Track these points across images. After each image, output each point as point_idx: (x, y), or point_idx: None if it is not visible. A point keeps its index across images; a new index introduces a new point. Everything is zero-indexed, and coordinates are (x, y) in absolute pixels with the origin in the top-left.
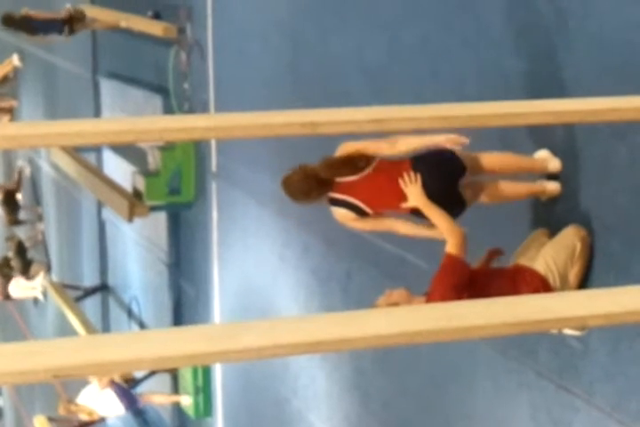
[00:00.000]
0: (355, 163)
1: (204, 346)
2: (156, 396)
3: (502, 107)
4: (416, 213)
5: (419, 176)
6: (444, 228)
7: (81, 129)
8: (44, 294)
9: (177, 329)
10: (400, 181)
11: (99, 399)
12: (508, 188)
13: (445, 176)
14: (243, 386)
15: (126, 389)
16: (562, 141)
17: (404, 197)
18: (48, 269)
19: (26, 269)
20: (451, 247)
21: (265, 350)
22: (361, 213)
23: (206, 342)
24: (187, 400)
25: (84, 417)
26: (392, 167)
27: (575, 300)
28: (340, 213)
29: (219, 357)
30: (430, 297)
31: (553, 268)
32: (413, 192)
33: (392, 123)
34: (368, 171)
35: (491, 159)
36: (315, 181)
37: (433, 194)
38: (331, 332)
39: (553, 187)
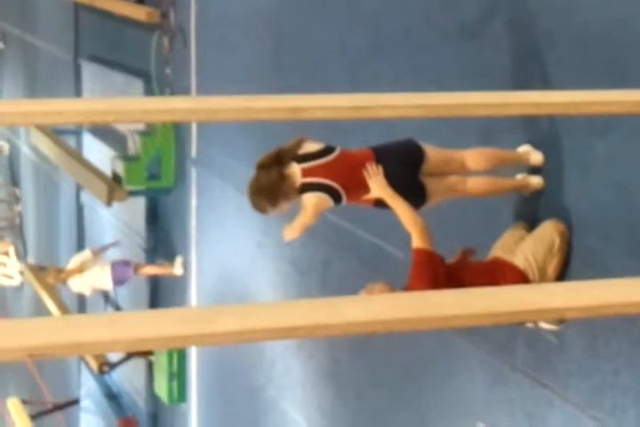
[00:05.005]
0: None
1: (182, 329)
2: (149, 267)
3: (483, 97)
4: (380, 205)
5: (380, 167)
6: (405, 219)
7: (62, 108)
8: (22, 282)
9: (154, 311)
10: (363, 173)
11: (90, 269)
12: (493, 183)
13: (407, 165)
14: (218, 373)
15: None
16: (543, 137)
17: (367, 189)
18: (20, 250)
19: None
20: (416, 241)
21: (242, 335)
22: (337, 197)
23: (183, 325)
24: (179, 271)
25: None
26: (354, 159)
27: (553, 291)
28: (315, 198)
29: (195, 340)
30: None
31: (532, 262)
32: (377, 183)
33: (375, 110)
34: (333, 155)
35: (475, 157)
36: (278, 175)
37: (396, 184)
38: (308, 317)
39: (536, 181)
